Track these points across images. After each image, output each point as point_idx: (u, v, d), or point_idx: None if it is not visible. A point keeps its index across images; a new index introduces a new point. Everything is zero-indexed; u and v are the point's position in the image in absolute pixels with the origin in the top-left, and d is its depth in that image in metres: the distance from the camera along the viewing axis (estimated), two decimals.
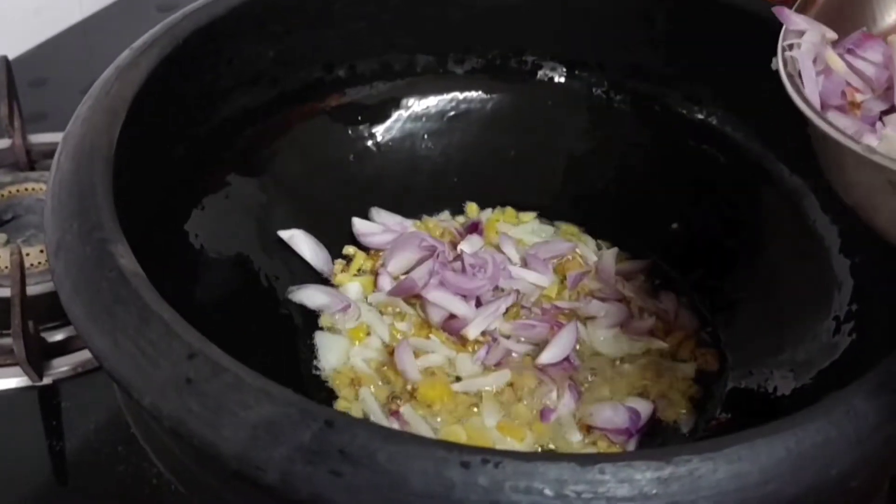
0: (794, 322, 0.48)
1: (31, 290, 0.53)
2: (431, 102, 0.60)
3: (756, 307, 0.51)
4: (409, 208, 0.58)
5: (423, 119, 0.59)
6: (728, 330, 0.52)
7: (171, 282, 0.37)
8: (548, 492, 0.28)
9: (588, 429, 0.47)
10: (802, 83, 0.36)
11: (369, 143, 0.58)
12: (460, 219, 0.59)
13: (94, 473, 0.48)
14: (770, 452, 0.30)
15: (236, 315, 0.47)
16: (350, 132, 0.58)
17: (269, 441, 0.29)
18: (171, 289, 0.35)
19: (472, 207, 0.59)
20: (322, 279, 0.53)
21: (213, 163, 0.51)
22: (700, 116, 0.57)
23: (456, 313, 0.50)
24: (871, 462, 0.32)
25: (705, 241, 0.55)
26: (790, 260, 0.51)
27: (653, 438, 0.47)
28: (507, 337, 0.51)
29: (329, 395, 0.48)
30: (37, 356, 0.52)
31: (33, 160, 0.66)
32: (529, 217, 0.59)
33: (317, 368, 0.49)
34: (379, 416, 0.46)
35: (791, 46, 0.37)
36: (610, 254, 0.56)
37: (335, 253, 0.55)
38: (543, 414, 0.47)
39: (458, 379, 0.49)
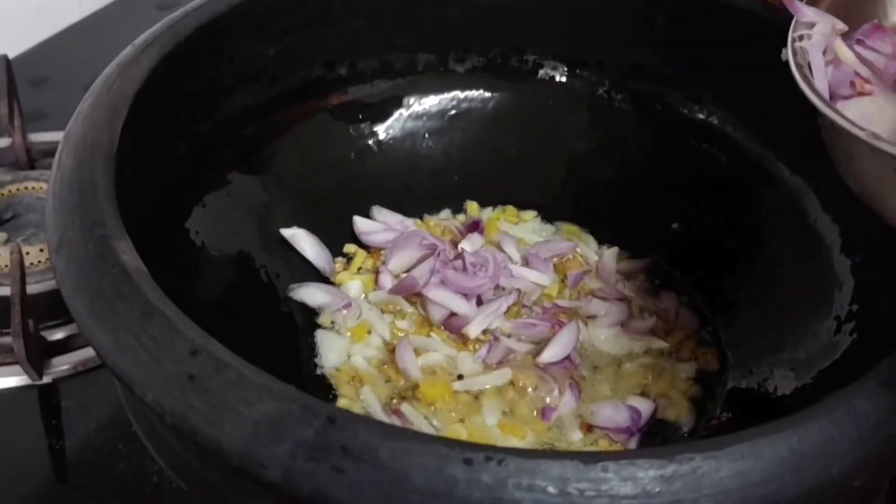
0: (794, 321, 0.48)
1: (31, 288, 0.53)
2: (432, 101, 0.60)
3: (756, 307, 0.51)
4: (410, 207, 0.58)
5: (424, 118, 0.60)
6: (729, 329, 0.52)
7: (173, 279, 0.36)
8: (551, 489, 0.28)
9: (589, 428, 0.47)
10: (812, 74, 0.36)
11: (370, 141, 0.58)
12: (461, 217, 0.59)
13: (94, 472, 0.48)
14: (772, 451, 0.30)
15: (237, 313, 0.47)
16: (351, 131, 0.58)
17: (272, 438, 0.29)
18: (173, 286, 0.35)
19: (472, 206, 0.59)
20: (323, 277, 0.53)
21: (214, 161, 0.51)
22: (701, 116, 0.57)
23: (457, 312, 0.50)
24: (872, 461, 0.32)
25: (706, 241, 0.55)
26: (791, 259, 0.51)
27: (653, 438, 0.47)
28: (508, 336, 0.51)
29: (330, 394, 0.48)
30: (37, 355, 0.52)
31: (33, 159, 0.66)
32: (530, 216, 0.59)
33: (317, 367, 0.49)
34: (380, 415, 0.46)
35: (801, 38, 0.37)
36: (610, 253, 0.56)
37: (336, 251, 0.55)
38: (544, 413, 0.47)
39: (460, 377, 0.49)
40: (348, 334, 0.51)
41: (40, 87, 0.77)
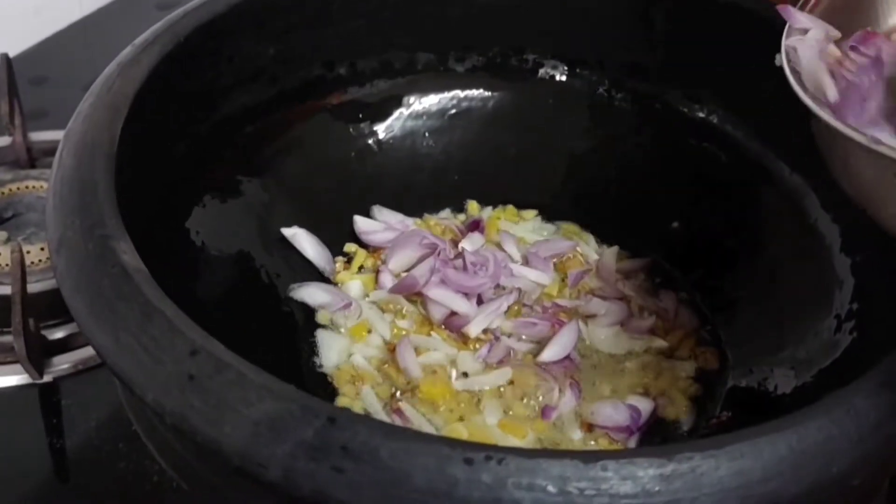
0: (794, 320, 0.48)
1: (32, 287, 0.53)
2: (432, 100, 0.60)
3: (756, 306, 0.51)
4: (410, 206, 0.58)
5: (424, 117, 0.60)
6: (728, 328, 0.52)
7: (173, 279, 0.37)
8: (551, 488, 0.28)
9: (589, 427, 0.47)
10: (805, 77, 0.36)
11: (370, 141, 0.58)
12: (461, 217, 0.59)
13: (95, 471, 0.48)
14: (772, 450, 0.30)
15: (237, 312, 0.47)
16: (351, 130, 0.58)
17: (272, 438, 0.29)
18: (173, 286, 0.35)
19: (472, 205, 0.59)
20: (323, 277, 0.53)
21: (214, 160, 0.51)
22: (700, 115, 0.57)
23: (457, 311, 0.51)
24: (872, 461, 0.32)
25: (706, 240, 0.55)
26: (791, 258, 0.51)
27: (653, 437, 0.47)
28: (509, 335, 0.51)
29: (330, 393, 0.48)
30: (37, 354, 0.52)
31: (34, 158, 0.66)
32: (530, 215, 0.59)
33: (318, 366, 0.49)
34: (380, 414, 0.46)
35: (795, 43, 0.37)
36: (610, 252, 0.56)
37: (336, 251, 0.55)
38: (544, 412, 0.47)
39: (462, 376, 0.49)
40: (349, 334, 0.51)
41: (41, 85, 0.77)
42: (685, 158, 0.57)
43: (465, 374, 0.49)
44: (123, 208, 0.37)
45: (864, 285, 0.46)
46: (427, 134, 0.59)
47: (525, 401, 0.47)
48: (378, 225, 0.56)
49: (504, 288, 0.53)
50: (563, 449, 0.45)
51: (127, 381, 0.32)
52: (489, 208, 0.59)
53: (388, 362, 0.49)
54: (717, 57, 0.53)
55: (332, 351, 0.50)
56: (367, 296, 0.53)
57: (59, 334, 0.55)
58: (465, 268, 0.52)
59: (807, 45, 0.37)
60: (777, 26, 0.39)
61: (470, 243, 0.55)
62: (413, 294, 0.52)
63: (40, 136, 0.68)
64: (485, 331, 0.50)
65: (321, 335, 0.50)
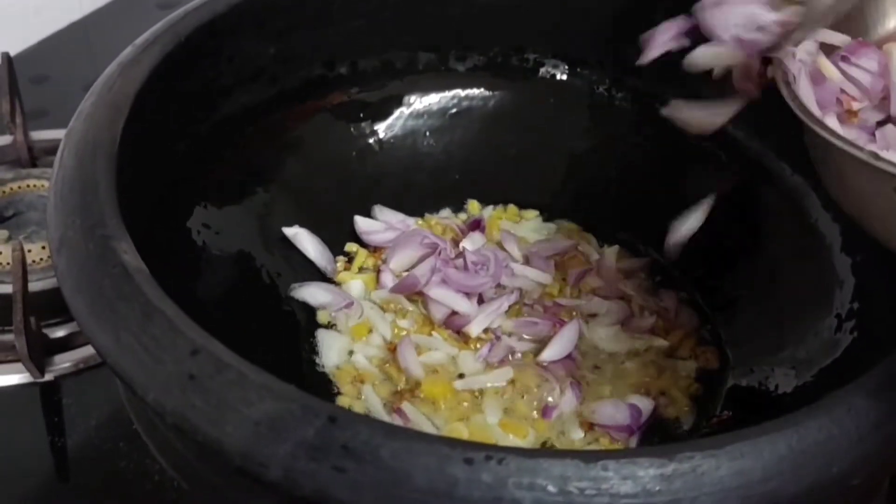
0: (795, 320, 0.48)
1: (33, 286, 0.53)
2: (433, 100, 0.60)
3: (757, 305, 0.51)
4: (411, 206, 0.58)
5: (425, 116, 0.60)
6: (729, 328, 0.52)
7: (174, 279, 0.37)
8: (551, 488, 0.28)
9: (590, 426, 0.47)
10: (798, 90, 0.35)
11: (371, 140, 0.58)
12: (462, 216, 0.59)
13: (95, 470, 0.48)
14: (772, 450, 0.30)
15: (238, 312, 0.47)
16: (352, 130, 0.58)
17: (272, 437, 0.29)
18: (174, 286, 0.35)
19: (473, 205, 0.59)
20: (324, 276, 0.54)
21: (214, 160, 0.51)
22: None
23: (458, 310, 0.51)
24: (872, 460, 0.32)
25: (706, 239, 0.55)
26: (791, 258, 0.51)
27: (654, 436, 0.47)
28: (509, 335, 0.51)
29: (331, 393, 0.48)
30: (38, 353, 0.52)
31: (35, 157, 0.66)
32: (531, 215, 0.59)
33: (319, 366, 0.49)
34: (381, 414, 0.46)
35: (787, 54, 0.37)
36: (611, 251, 0.56)
37: (337, 250, 0.55)
38: (545, 411, 0.47)
39: (461, 376, 0.49)
40: (349, 333, 0.51)
41: (41, 84, 0.77)
42: (685, 158, 0.57)
43: (461, 375, 0.49)
44: (124, 208, 0.37)
45: (865, 285, 0.46)
46: (428, 133, 0.59)
47: (526, 400, 0.47)
48: (379, 225, 0.56)
49: (505, 287, 0.53)
50: (564, 449, 0.45)
51: (128, 381, 0.32)
52: (490, 208, 0.59)
53: (388, 362, 0.49)
54: None
55: (332, 350, 0.50)
56: (368, 295, 0.53)
57: (60, 333, 0.55)
58: (465, 267, 0.52)
59: (798, 63, 0.36)
60: None
61: (471, 243, 0.55)
62: (414, 294, 0.52)
63: (41, 134, 0.68)
64: (486, 330, 0.50)
65: (322, 335, 0.51)
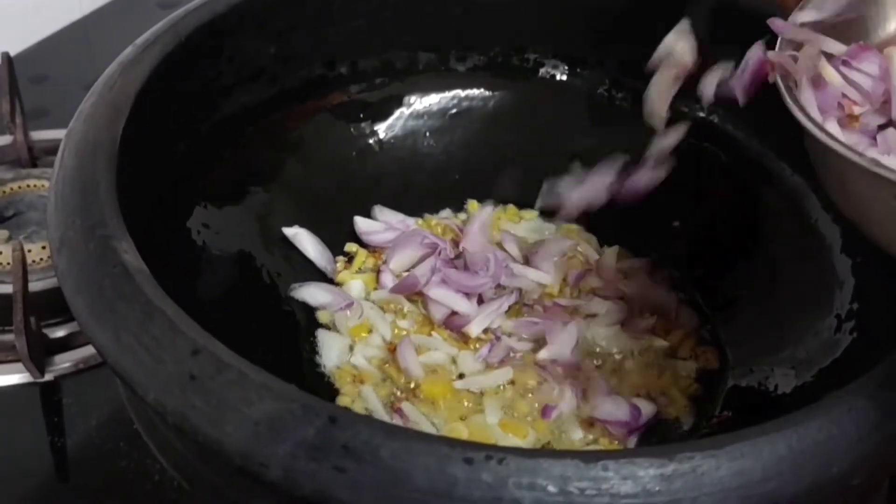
0: (794, 320, 0.48)
1: (33, 286, 0.53)
2: (433, 100, 0.60)
3: (757, 305, 0.51)
4: (411, 206, 0.58)
5: (425, 117, 0.60)
6: (729, 328, 0.52)
7: (174, 279, 0.37)
8: (551, 488, 0.28)
9: (590, 423, 0.47)
10: (800, 95, 0.35)
11: (371, 140, 0.58)
12: (462, 216, 0.59)
13: (95, 470, 0.48)
14: (772, 450, 0.30)
15: (238, 312, 0.47)
16: (352, 130, 0.58)
17: (273, 437, 0.30)
18: (174, 286, 0.35)
19: (473, 205, 0.59)
20: (324, 277, 0.54)
21: (214, 160, 0.51)
22: (700, 115, 0.57)
23: (458, 311, 0.51)
24: (872, 460, 0.32)
25: (706, 240, 0.55)
26: (791, 258, 0.51)
27: (653, 436, 0.47)
28: (509, 335, 0.51)
29: (331, 393, 0.48)
30: (38, 352, 0.52)
31: (35, 157, 0.66)
32: (531, 215, 0.59)
33: (319, 366, 0.49)
34: (381, 414, 0.46)
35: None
36: (611, 252, 0.56)
37: (337, 250, 0.55)
38: (545, 411, 0.47)
39: (461, 376, 0.49)
40: (349, 333, 0.51)
41: (41, 84, 0.77)
42: (686, 158, 0.57)
43: (461, 376, 0.49)
44: (124, 208, 0.37)
45: (865, 285, 0.46)
46: (428, 133, 0.59)
47: (526, 400, 0.48)
48: (379, 225, 0.56)
49: (504, 288, 0.53)
50: (564, 449, 0.45)
51: (128, 381, 0.32)
52: (488, 208, 0.59)
53: (388, 362, 0.49)
54: (716, 56, 0.53)
55: (332, 351, 0.50)
56: (368, 296, 0.53)
57: (60, 333, 0.55)
58: (465, 267, 0.52)
59: (801, 67, 0.36)
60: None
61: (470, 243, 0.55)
62: (414, 294, 0.52)
63: (41, 134, 0.68)
64: (485, 330, 0.50)
65: (322, 335, 0.51)
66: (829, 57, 0.37)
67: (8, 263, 0.55)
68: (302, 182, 0.55)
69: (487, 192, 0.59)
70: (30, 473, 0.48)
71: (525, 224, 0.58)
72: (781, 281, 0.51)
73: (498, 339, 0.50)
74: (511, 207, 0.59)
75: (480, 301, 0.52)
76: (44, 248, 0.56)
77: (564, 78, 0.60)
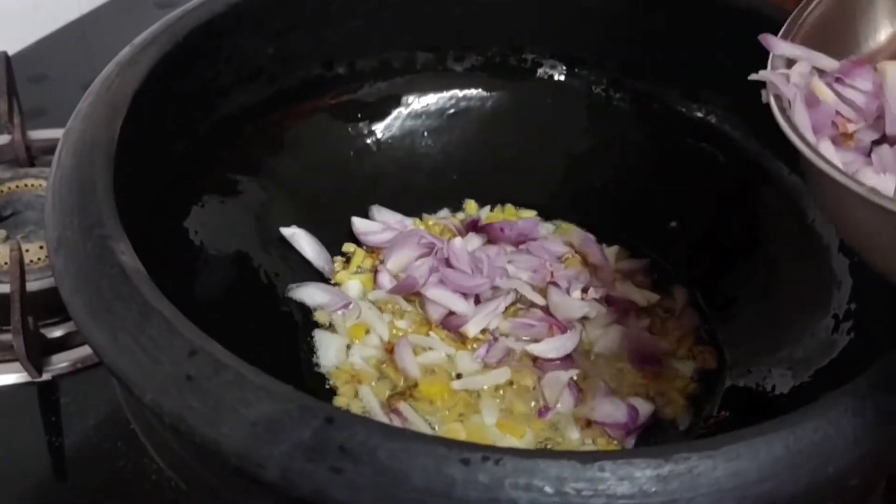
0: (792, 320, 0.48)
1: (31, 286, 0.53)
2: (431, 100, 0.60)
3: (755, 305, 0.51)
4: (409, 206, 0.58)
5: (423, 117, 0.60)
6: (727, 328, 0.52)
7: (171, 279, 0.37)
8: (548, 489, 0.28)
9: (587, 424, 0.47)
10: (794, 115, 0.35)
11: (369, 140, 0.58)
12: (460, 216, 0.59)
13: (93, 469, 0.48)
14: (768, 451, 0.30)
15: (236, 312, 0.47)
16: (350, 130, 0.58)
17: (270, 438, 0.29)
18: (171, 286, 0.35)
19: (471, 205, 0.59)
20: (322, 277, 0.53)
21: (212, 160, 0.51)
22: (699, 114, 0.57)
23: (455, 311, 0.51)
24: (869, 461, 0.32)
25: (704, 239, 0.55)
26: (789, 258, 0.51)
27: (651, 436, 0.47)
28: (507, 335, 0.51)
29: (328, 393, 0.48)
30: (36, 352, 0.52)
31: (33, 156, 0.66)
32: (529, 215, 0.59)
33: (316, 366, 0.49)
34: (378, 414, 0.46)
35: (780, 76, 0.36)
36: (610, 252, 0.56)
37: (334, 250, 0.55)
38: (542, 411, 0.47)
39: (459, 376, 0.49)
40: (347, 334, 0.51)
41: (39, 83, 0.77)
42: (684, 158, 0.57)
43: (459, 376, 0.49)
44: (122, 208, 0.37)
45: (862, 286, 0.46)
46: (426, 133, 0.59)
47: (523, 401, 0.48)
48: (376, 225, 0.56)
49: (502, 288, 0.53)
50: (561, 449, 0.45)
51: (125, 382, 0.32)
52: (487, 208, 0.59)
53: (386, 362, 0.49)
54: (716, 56, 0.53)
55: (330, 351, 0.50)
56: (366, 296, 0.53)
57: (57, 333, 0.55)
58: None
59: (793, 87, 0.35)
60: (777, 25, 0.39)
61: (469, 243, 0.55)
62: (411, 294, 0.52)
63: (39, 134, 0.68)
64: (483, 331, 0.50)
65: (319, 335, 0.51)
66: (821, 73, 0.37)
67: (5, 263, 0.55)
68: (300, 182, 0.55)
69: (485, 192, 0.59)
70: (28, 473, 0.48)
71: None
72: (779, 281, 0.51)
73: (496, 339, 0.50)
74: (509, 207, 0.59)
75: (478, 301, 0.52)
76: (41, 247, 0.56)
77: (562, 78, 0.60)
